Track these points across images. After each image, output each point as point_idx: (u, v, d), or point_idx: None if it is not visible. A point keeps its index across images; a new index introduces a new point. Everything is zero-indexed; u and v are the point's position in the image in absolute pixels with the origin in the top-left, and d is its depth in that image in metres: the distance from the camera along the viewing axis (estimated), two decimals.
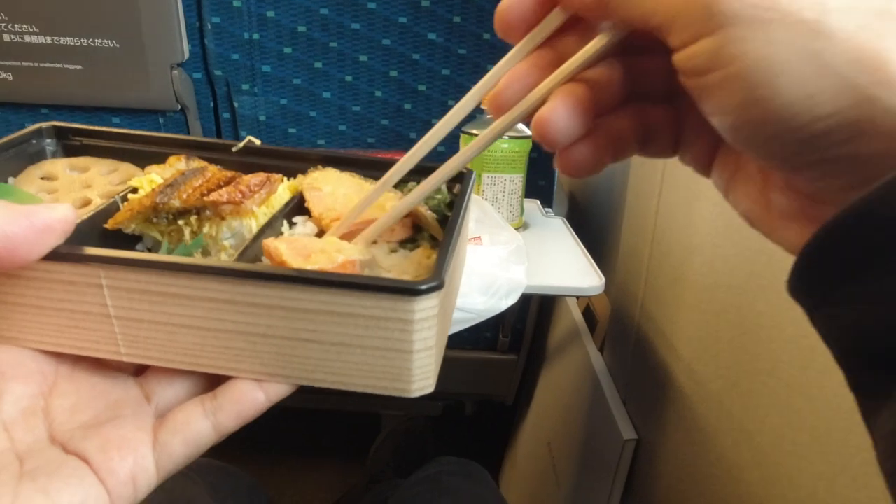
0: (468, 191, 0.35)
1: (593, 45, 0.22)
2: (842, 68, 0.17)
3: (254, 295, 0.25)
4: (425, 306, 0.25)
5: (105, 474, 0.25)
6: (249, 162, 0.38)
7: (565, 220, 0.84)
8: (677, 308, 0.66)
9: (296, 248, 0.28)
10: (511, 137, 0.71)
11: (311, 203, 0.35)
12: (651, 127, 0.24)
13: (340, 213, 0.33)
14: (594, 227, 1.01)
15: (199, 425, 0.27)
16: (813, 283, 0.19)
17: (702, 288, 0.61)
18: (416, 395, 0.27)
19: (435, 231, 0.34)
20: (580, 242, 0.76)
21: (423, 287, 0.24)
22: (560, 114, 0.22)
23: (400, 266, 0.31)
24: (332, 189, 0.35)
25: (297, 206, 0.35)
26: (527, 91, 0.24)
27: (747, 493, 0.51)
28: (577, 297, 1.03)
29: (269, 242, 0.29)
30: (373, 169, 0.38)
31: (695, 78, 0.19)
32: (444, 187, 0.37)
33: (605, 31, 0.22)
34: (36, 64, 0.84)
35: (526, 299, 0.59)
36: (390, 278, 0.27)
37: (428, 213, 0.34)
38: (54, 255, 0.25)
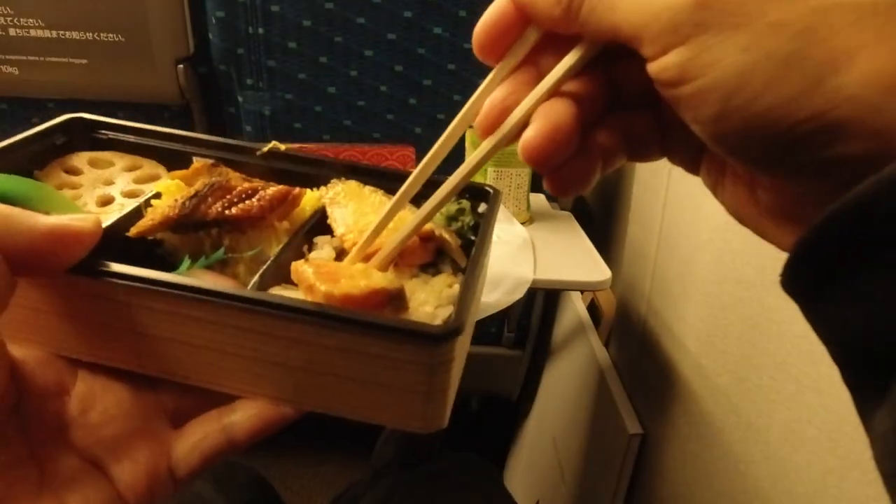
0: (493, 215, 0.34)
1: (569, 59, 0.22)
2: (816, 69, 0.17)
3: (275, 327, 0.25)
4: (444, 351, 0.25)
5: (122, 485, 0.26)
6: (273, 167, 0.38)
7: (572, 215, 0.84)
8: (685, 302, 0.66)
9: (323, 272, 0.28)
10: None
11: (335, 221, 0.34)
12: (637, 134, 0.24)
13: (362, 234, 0.32)
14: (600, 221, 1.01)
15: (217, 440, 0.28)
16: (805, 281, 0.19)
17: (710, 282, 0.60)
18: (428, 430, 0.27)
19: (458, 257, 0.34)
20: (587, 237, 0.76)
21: (444, 333, 0.24)
22: (546, 135, 0.21)
23: (419, 293, 0.31)
24: (355, 206, 0.35)
25: (319, 223, 0.35)
26: (511, 111, 0.23)
27: (754, 487, 0.51)
28: (583, 292, 1.03)
29: (299, 265, 0.28)
30: (397, 182, 0.38)
31: (669, 89, 0.19)
32: (468, 208, 0.37)
33: (580, 44, 0.22)
34: (42, 58, 0.84)
35: (531, 294, 0.59)
36: (412, 321, 0.27)
37: (452, 239, 0.34)
38: (81, 269, 0.25)
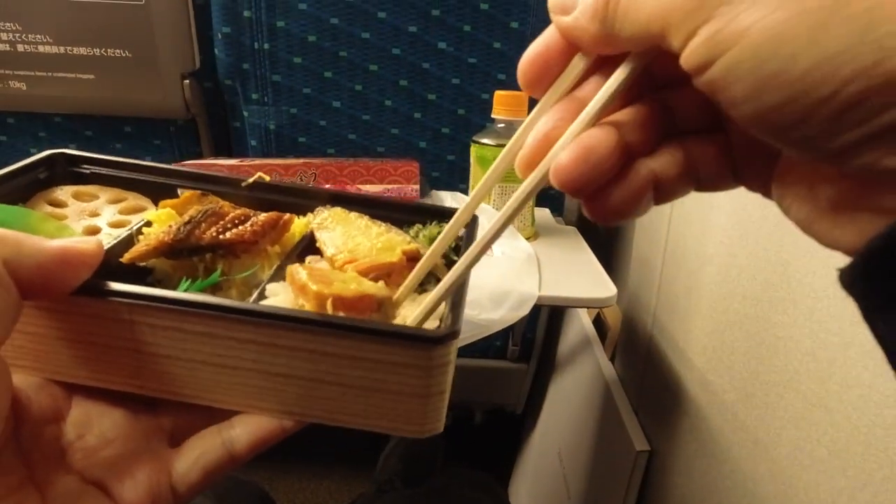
0: (473, 237, 0.35)
1: (612, 82, 0.21)
2: (863, 15, 0.15)
3: (277, 336, 0.26)
4: (442, 353, 0.26)
5: (125, 503, 0.26)
6: (258, 197, 0.38)
7: (577, 230, 0.84)
8: (691, 318, 0.66)
9: (316, 275, 0.29)
10: None
11: (323, 243, 0.35)
12: (702, 161, 0.22)
13: (353, 254, 0.33)
14: (606, 236, 1.01)
15: (217, 455, 0.28)
16: (877, 281, 0.17)
17: (716, 298, 0.60)
18: (425, 435, 0.28)
19: (443, 275, 0.34)
20: (592, 252, 0.75)
21: (442, 336, 0.26)
22: (577, 159, 0.20)
23: (407, 310, 0.32)
24: (342, 230, 0.36)
25: (308, 246, 0.36)
26: (555, 141, 0.22)
27: None
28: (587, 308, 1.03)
29: (293, 267, 0.29)
30: (380, 209, 0.39)
31: (703, 74, 0.18)
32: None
33: (623, 64, 0.21)
34: (49, 73, 0.84)
35: (536, 308, 0.58)
36: (412, 327, 0.28)
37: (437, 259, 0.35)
38: (84, 290, 0.25)
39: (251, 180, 0.39)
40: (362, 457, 1.25)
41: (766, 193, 0.22)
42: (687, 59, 0.18)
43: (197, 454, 0.28)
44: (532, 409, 1.17)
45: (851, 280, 0.18)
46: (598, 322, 0.98)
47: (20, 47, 0.83)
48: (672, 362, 0.70)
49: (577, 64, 0.22)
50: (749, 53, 0.16)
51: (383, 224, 0.37)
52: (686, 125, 0.22)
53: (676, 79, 0.21)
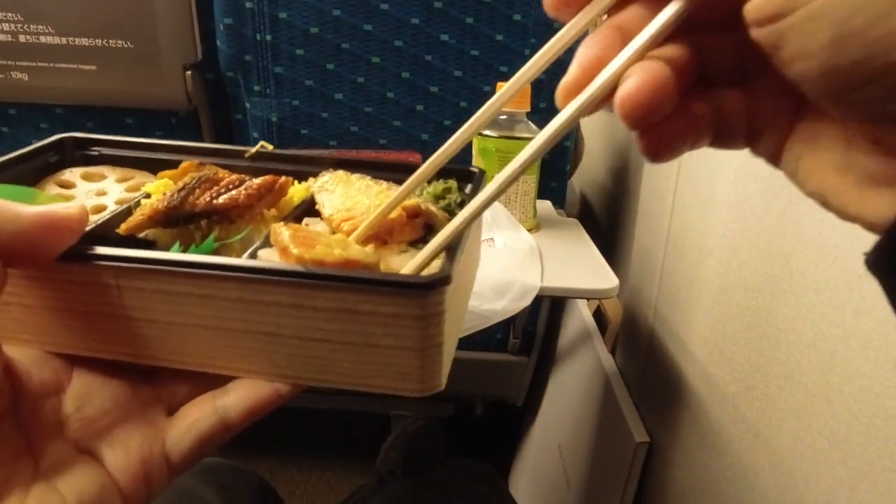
0: (480, 190, 0.34)
1: (667, 12, 0.20)
2: None
3: (262, 292, 0.25)
4: (435, 301, 0.25)
5: (118, 473, 0.25)
6: (262, 167, 0.38)
7: (578, 222, 0.84)
8: (692, 310, 0.66)
9: (300, 236, 0.28)
10: (523, 139, 0.71)
11: (322, 205, 0.34)
12: (724, 113, 0.22)
13: (351, 212, 0.32)
14: (606, 229, 1.01)
15: (210, 422, 0.27)
16: None
17: (718, 290, 0.60)
18: (426, 394, 0.27)
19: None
20: (593, 244, 0.75)
21: (433, 281, 0.24)
22: (647, 87, 0.19)
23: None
24: (342, 190, 0.35)
25: (308, 210, 0.35)
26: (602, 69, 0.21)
27: (762, 498, 0.51)
28: (588, 299, 1.03)
29: (277, 227, 0.28)
30: (383, 171, 0.38)
31: (770, 24, 0.17)
32: (454, 187, 0.37)
33: None
34: (51, 64, 0.84)
35: (537, 300, 0.59)
36: (399, 274, 0.27)
37: (440, 213, 0.34)
38: (70, 256, 0.25)
39: (254, 150, 0.38)
40: (363, 448, 1.26)
41: (774, 159, 0.22)
42: (758, 9, 0.17)
43: (189, 422, 0.27)
44: (532, 402, 1.17)
45: (879, 258, 0.17)
46: (598, 315, 0.99)
47: (22, 38, 0.82)
48: (673, 354, 0.70)
49: None
50: (833, 6, 0.15)
51: (384, 183, 0.37)
52: (714, 74, 0.22)
53: (715, 23, 0.20)
